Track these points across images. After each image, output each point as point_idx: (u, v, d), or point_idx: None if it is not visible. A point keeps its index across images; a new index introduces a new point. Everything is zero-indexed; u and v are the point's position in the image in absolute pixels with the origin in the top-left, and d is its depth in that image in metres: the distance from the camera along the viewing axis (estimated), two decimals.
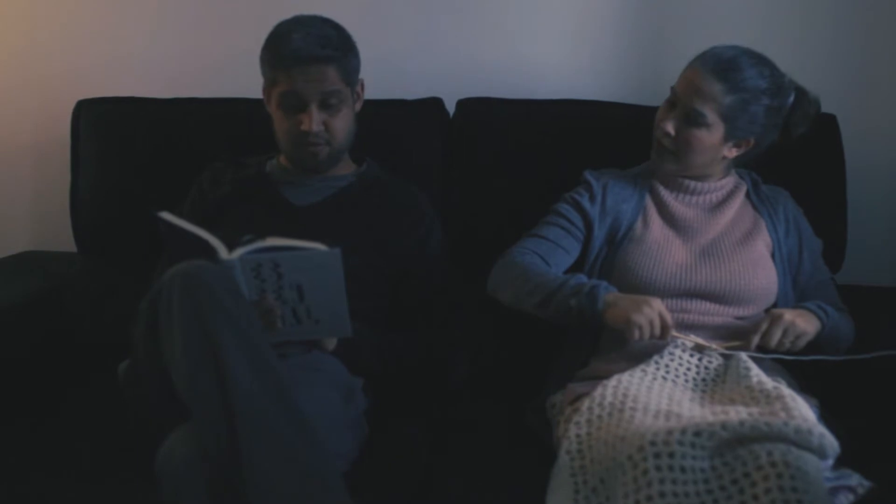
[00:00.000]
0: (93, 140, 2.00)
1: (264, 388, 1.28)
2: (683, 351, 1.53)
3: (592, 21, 2.13)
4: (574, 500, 1.31)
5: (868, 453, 1.39)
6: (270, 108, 1.75)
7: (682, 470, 1.23)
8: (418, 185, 1.87)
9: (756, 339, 1.53)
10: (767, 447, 1.23)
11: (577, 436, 1.38)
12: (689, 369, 1.52)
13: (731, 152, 1.70)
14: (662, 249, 1.67)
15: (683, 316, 1.62)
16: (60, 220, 2.06)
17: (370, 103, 1.82)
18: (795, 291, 1.71)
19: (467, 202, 1.96)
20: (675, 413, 1.34)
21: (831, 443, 1.27)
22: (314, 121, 1.68)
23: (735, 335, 1.59)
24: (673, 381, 1.49)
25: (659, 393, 1.42)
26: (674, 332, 1.52)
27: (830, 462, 1.31)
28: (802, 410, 1.33)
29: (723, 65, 1.62)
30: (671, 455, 1.23)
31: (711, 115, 1.63)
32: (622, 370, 1.50)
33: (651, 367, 1.50)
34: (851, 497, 1.32)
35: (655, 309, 1.49)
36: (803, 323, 1.54)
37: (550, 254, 1.70)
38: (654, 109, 1.73)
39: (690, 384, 1.50)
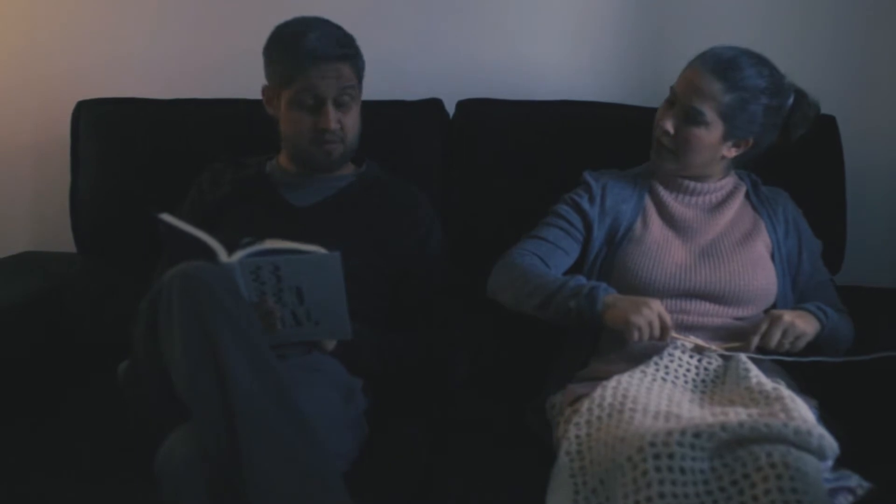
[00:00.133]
0: (93, 140, 2.00)
1: (264, 388, 1.29)
2: (683, 352, 1.53)
3: (592, 21, 2.13)
4: (574, 501, 1.31)
5: (867, 454, 1.39)
6: (277, 109, 1.74)
7: (682, 471, 1.23)
8: (418, 185, 1.87)
9: (755, 340, 1.53)
10: (767, 448, 1.23)
11: (577, 437, 1.38)
12: (688, 370, 1.52)
13: (731, 152, 1.70)
14: (662, 250, 1.67)
15: (683, 317, 1.62)
16: (60, 221, 2.06)
17: (370, 104, 1.81)
18: (795, 292, 1.71)
19: (467, 202, 1.96)
20: (675, 414, 1.34)
21: (831, 444, 1.27)
22: (332, 118, 1.69)
23: (734, 336, 1.59)
24: (672, 382, 1.49)
25: (658, 394, 1.42)
26: (673, 334, 1.52)
27: (830, 463, 1.31)
28: (802, 411, 1.33)
29: (722, 64, 1.63)
30: (671, 456, 1.23)
31: (710, 114, 1.63)
32: (622, 371, 1.50)
33: (650, 369, 1.50)
34: (851, 498, 1.32)
35: (655, 310, 1.49)
36: (803, 324, 1.54)
37: (550, 255, 1.70)
38: (653, 110, 1.73)
39: (690, 385, 1.50)
